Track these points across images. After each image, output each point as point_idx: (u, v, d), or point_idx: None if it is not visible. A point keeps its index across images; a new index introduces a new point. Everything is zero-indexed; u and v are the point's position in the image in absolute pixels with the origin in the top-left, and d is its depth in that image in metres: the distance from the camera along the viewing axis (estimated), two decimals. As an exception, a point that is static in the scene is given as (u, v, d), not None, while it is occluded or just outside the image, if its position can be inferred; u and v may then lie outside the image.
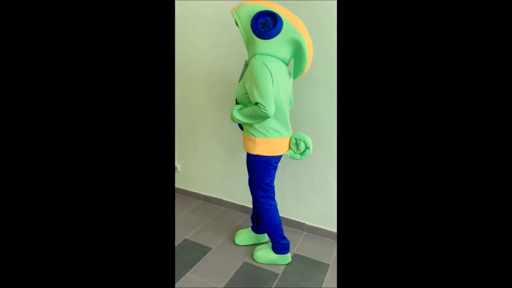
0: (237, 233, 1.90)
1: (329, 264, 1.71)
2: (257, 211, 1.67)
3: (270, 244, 1.74)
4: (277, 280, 1.57)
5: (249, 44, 1.40)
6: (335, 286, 1.54)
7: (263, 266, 1.66)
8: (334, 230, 1.93)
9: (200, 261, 1.69)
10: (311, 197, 1.96)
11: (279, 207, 2.03)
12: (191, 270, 1.62)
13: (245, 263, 1.68)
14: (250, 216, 1.89)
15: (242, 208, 2.23)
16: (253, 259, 1.71)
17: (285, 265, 1.68)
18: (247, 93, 1.40)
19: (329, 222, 1.94)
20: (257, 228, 1.84)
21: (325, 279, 1.59)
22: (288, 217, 2.05)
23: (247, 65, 1.40)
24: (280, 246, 1.67)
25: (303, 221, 2.02)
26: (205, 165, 2.31)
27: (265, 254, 1.70)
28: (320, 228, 1.97)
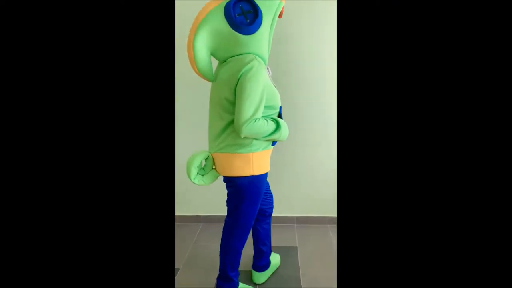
0: None
1: (296, 247, 1.87)
2: (264, 239, 1.54)
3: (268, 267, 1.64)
4: None
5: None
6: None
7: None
8: (291, 214, 2.11)
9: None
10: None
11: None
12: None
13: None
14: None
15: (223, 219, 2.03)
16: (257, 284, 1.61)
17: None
18: None
19: (286, 208, 2.09)
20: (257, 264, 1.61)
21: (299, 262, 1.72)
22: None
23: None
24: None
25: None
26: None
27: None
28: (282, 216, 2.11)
